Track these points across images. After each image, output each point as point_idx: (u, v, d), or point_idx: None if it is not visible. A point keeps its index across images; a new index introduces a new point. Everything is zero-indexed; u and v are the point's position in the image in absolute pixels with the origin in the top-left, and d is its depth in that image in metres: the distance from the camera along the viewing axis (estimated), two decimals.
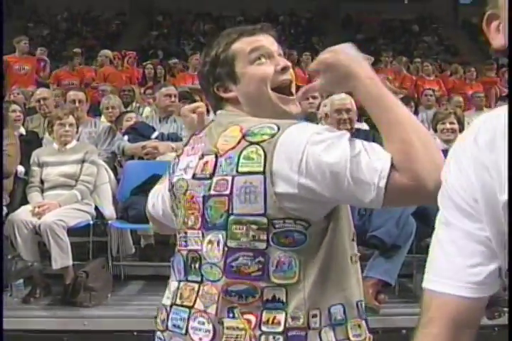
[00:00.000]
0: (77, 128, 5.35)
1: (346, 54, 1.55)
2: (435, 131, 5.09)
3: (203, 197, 1.59)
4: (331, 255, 1.56)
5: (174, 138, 5.77)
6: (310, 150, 1.45)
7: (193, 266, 1.62)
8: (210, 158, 1.60)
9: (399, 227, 4.25)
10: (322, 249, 1.54)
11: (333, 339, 1.55)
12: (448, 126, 5.00)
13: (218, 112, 1.75)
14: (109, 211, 4.97)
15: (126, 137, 5.73)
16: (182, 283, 1.64)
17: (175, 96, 6.22)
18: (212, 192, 1.57)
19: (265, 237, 1.51)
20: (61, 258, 4.42)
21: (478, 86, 10.11)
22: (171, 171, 1.77)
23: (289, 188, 1.47)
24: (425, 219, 4.59)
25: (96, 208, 4.98)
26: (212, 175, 1.57)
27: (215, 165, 1.58)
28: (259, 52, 1.70)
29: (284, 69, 1.70)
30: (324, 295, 1.55)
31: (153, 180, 4.97)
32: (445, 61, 14.77)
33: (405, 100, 7.91)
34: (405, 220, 4.28)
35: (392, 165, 1.39)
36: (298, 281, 1.52)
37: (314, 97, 6.81)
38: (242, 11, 21.82)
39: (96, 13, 20.24)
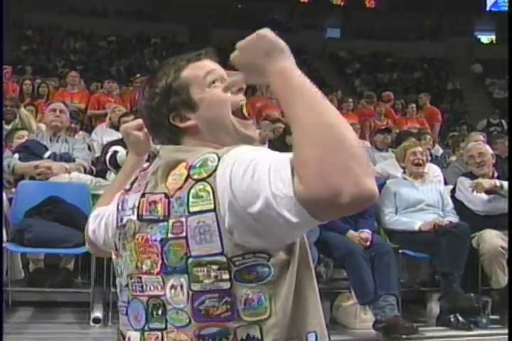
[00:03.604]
0: None
1: (254, 48, 1.44)
2: None
3: (161, 240, 1.49)
4: (300, 283, 1.49)
5: (67, 158, 5.55)
6: (235, 172, 1.37)
7: (155, 312, 1.51)
8: (159, 198, 1.51)
9: None
10: (291, 279, 1.47)
11: None
12: None
13: (160, 147, 1.66)
14: None
15: (16, 155, 5.45)
16: (146, 333, 1.53)
17: (60, 111, 5.99)
18: (170, 235, 1.47)
19: (228, 276, 1.42)
20: None
21: (354, 117, 10.42)
22: (120, 207, 1.66)
23: (234, 219, 1.39)
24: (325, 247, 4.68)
25: None
26: (168, 216, 1.48)
27: (169, 206, 1.49)
28: (212, 76, 1.64)
29: (239, 91, 1.65)
30: (299, 324, 1.48)
31: (49, 202, 4.87)
32: None
33: (289, 130, 8.07)
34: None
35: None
36: (270, 316, 1.44)
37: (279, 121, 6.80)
38: (115, 30, 21.60)
39: None
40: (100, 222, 1.80)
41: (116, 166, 5.38)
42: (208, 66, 1.66)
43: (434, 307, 5.08)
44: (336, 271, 5.20)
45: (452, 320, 4.72)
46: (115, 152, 5.48)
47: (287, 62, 1.40)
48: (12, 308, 4.72)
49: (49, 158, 5.47)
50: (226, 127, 1.62)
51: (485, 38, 27.89)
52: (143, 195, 1.56)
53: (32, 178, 5.35)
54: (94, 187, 5.24)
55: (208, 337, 1.44)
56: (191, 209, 1.44)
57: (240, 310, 1.42)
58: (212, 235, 1.42)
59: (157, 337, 1.50)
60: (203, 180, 1.43)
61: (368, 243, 4.79)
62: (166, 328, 1.49)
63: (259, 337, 1.43)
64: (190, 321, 1.45)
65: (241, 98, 1.65)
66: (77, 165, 5.56)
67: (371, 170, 1.26)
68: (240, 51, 1.47)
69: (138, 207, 1.56)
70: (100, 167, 5.84)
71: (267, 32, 1.43)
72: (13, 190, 5.18)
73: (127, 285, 1.58)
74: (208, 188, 1.42)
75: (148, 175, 1.60)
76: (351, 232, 4.86)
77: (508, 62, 11.49)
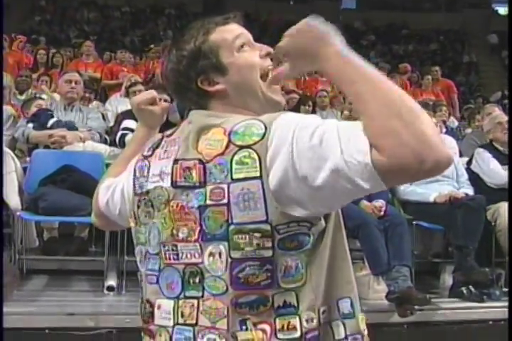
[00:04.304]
0: None
1: (304, 35, 1.44)
2: None
3: (199, 207, 1.46)
4: (335, 251, 1.51)
5: (71, 126, 5.54)
6: (298, 137, 1.36)
7: (191, 280, 1.49)
8: (193, 164, 1.48)
9: None
10: (326, 246, 1.48)
11: (343, 333, 1.50)
12: None
13: (192, 112, 1.63)
14: (15, 201, 4.68)
15: (31, 124, 5.45)
16: (181, 301, 1.51)
17: (76, 82, 5.98)
18: (208, 202, 1.45)
19: (270, 244, 1.41)
20: None
21: None
22: (139, 174, 1.64)
23: (285, 189, 1.38)
24: None
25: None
26: (204, 183, 1.46)
27: (204, 172, 1.46)
28: (241, 40, 1.62)
29: (268, 55, 1.63)
30: (332, 291, 1.49)
31: (64, 170, 4.87)
32: None
33: (304, 100, 8.03)
34: None
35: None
36: (305, 282, 1.45)
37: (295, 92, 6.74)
38: (129, 1, 21.44)
39: None
40: (114, 191, 1.78)
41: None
42: (236, 30, 1.64)
43: (447, 279, 5.08)
44: (350, 241, 5.17)
45: (465, 291, 4.72)
46: (123, 135, 5.47)
47: (340, 46, 1.39)
48: (27, 276, 4.77)
49: (52, 126, 5.45)
50: (255, 92, 1.61)
51: (502, 10, 27.45)
52: (175, 162, 1.53)
53: (46, 147, 5.35)
54: (108, 156, 5.24)
55: (245, 305, 1.44)
56: (235, 176, 1.42)
57: (279, 278, 1.43)
58: (257, 202, 1.40)
59: (192, 305, 1.49)
60: (248, 147, 1.41)
61: (382, 213, 4.76)
62: (202, 296, 1.48)
63: (296, 304, 1.44)
64: (227, 289, 1.44)
65: (269, 63, 1.63)
66: (91, 134, 5.56)
67: (442, 137, 1.32)
68: (290, 38, 1.47)
69: (172, 174, 1.52)
70: (113, 136, 5.83)
71: (316, 20, 1.43)
72: (28, 159, 5.19)
73: (158, 254, 1.56)
74: (254, 155, 1.40)
75: (179, 141, 1.58)
76: (364, 202, 4.82)
77: (508, 62, 11.41)
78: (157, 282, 1.57)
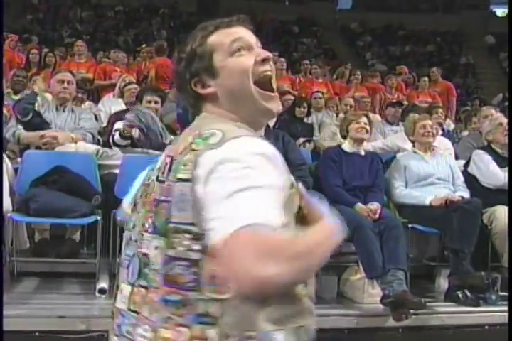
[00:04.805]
0: None
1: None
2: (346, 131, 5.23)
3: (156, 200, 1.53)
4: None
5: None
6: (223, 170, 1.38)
7: (143, 270, 1.54)
8: (168, 160, 1.55)
9: None
10: None
11: None
12: (362, 125, 5.23)
13: (201, 115, 1.66)
14: (6, 203, 4.67)
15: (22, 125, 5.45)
16: (135, 288, 1.57)
17: (68, 82, 5.95)
18: (161, 197, 1.51)
19: (198, 247, 1.44)
20: None
21: (363, 90, 10.36)
22: (153, 166, 1.69)
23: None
24: None
25: None
26: (167, 178, 1.52)
27: (170, 168, 1.52)
28: (238, 44, 1.63)
29: (265, 61, 1.64)
30: (264, 317, 1.44)
31: (56, 171, 4.87)
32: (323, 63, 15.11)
33: (299, 102, 8.03)
34: None
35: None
36: (233, 297, 1.42)
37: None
38: (122, 0, 21.45)
39: None
40: None
41: (118, 146, 5.38)
42: (236, 33, 1.65)
43: (443, 283, 5.09)
44: (344, 244, 5.19)
45: (461, 295, 4.74)
46: (113, 135, 5.49)
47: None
48: (17, 278, 4.75)
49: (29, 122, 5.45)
50: (245, 98, 1.62)
51: (500, 11, 27.53)
52: (166, 157, 1.59)
53: (38, 148, 5.34)
54: (100, 157, 5.24)
55: (171, 304, 1.47)
56: (178, 176, 1.48)
57: (204, 284, 1.44)
58: (188, 205, 1.45)
59: (141, 294, 1.55)
60: (194, 150, 1.46)
61: (377, 215, 4.77)
62: (148, 287, 1.53)
63: (217, 316, 1.44)
64: (160, 284, 1.49)
65: (266, 68, 1.64)
66: (83, 134, 5.55)
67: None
68: None
69: (159, 168, 1.58)
70: (106, 137, 5.83)
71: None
72: (19, 159, 5.18)
73: (136, 241, 1.61)
74: (193, 159, 1.44)
75: (179, 138, 1.64)
76: (359, 205, 4.84)
77: (508, 63, 11.40)
78: (127, 267, 1.62)
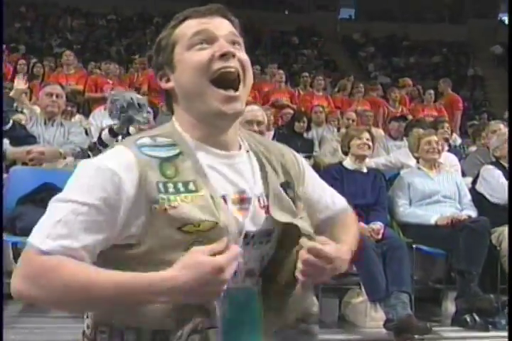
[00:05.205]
0: None
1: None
2: (348, 147, 5.24)
3: None
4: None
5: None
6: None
7: None
8: None
9: None
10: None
11: None
12: (365, 141, 5.24)
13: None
14: None
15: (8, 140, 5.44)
16: None
17: (57, 95, 5.96)
18: None
19: None
20: None
21: (366, 104, 10.37)
22: None
23: None
24: None
25: None
26: None
27: None
28: (200, 37, 1.56)
29: (224, 56, 1.54)
30: (117, 314, 1.51)
31: (44, 189, 4.86)
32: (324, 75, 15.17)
33: (299, 116, 8.06)
34: None
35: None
36: None
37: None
38: (115, 8, 21.53)
39: None
40: None
41: (105, 145, 5.33)
42: (202, 24, 1.58)
43: (450, 306, 5.07)
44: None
45: (469, 320, 4.72)
46: (101, 131, 5.47)
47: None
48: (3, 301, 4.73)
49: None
50: (198, 95, 1.56)
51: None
52: None
53: (24, 164, 5.33)
54: None
55: None
56: None
57: None
58: None
59: None
60: None
61: (380, 236, 4.76)
62: None
63: None
64: None
65: (225, 65, 1.55)
66: (72, 149, 5.55)
67: None
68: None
69: None
70: (96, 152, 5.82)
71: None
72: (5, 175, 5.17)
73: None
74: None
75: None
76: (361, 224, 4.82)
77: (508, 64, 11.45)
78: None
